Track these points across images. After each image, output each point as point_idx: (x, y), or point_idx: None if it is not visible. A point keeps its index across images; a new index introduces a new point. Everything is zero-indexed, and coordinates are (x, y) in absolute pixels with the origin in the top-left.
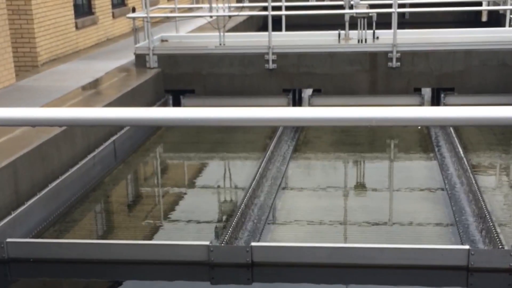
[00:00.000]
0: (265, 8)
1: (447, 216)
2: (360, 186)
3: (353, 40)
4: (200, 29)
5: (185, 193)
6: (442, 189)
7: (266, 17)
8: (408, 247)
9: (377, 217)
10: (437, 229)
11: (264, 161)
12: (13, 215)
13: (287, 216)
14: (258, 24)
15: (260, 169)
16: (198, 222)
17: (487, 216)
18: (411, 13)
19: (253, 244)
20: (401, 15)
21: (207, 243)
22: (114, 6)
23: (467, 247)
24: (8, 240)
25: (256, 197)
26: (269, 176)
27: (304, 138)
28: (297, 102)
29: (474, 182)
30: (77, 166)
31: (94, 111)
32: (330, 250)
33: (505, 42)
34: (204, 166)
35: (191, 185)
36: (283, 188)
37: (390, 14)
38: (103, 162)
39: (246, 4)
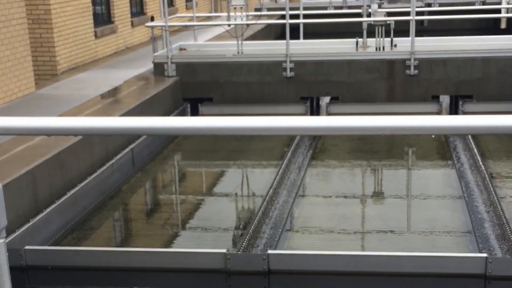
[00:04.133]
0: (283, 17)
1: (465, 224)
2: (378, 194)
3: (371, 48)
4: (219, 37)
5: (203, 201)
6: (460, 197)
7: (284, 25)
8: (426, 255)
9: (394, 225)
10: (454, 237)
11: (281, 169)
12: (31, 222)
13: (305, 224)
14: (276, 32)
15: (277, 177)
16: (215, 229)
17: (505, 224)
18: (429, 21)
19: (269, 252)
20: (419, 23)
21: (224, 250)
22: (133, 15)
23: (485, 255)
24: (27, 247)
25: (274, 204)
26: (287, 184)
27: (321, 146)
28: (314, 110)
29: (492, 190)
30: (96, 174)
31: (110, 120)
32: (347, 258)
33: None
34: (222, 174)
35: (209, 193)
36: (301, 196)
37: (408, 22)
38: (121, 170)
39: (264, 12)
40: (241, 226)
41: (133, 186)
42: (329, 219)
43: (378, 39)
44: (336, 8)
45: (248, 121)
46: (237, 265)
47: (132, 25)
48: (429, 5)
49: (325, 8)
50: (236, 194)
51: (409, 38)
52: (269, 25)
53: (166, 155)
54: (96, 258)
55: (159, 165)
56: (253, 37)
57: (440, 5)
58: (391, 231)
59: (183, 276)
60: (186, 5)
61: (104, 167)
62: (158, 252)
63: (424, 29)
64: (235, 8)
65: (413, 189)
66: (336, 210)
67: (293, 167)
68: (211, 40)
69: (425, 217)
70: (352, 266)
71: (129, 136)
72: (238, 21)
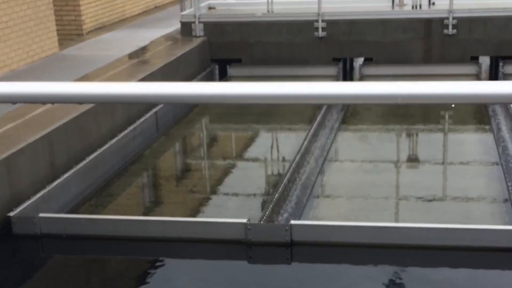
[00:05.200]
0: None
1: (502, 194)
2: (410, 161)
3: (407, 6)
4: None
5: (228, 167)
6: (497, 164)
7: None
8: (459, 227)
9: (427, 193)
10: (491, 207)
11: (310, 134)
12: (47, 189)
13: (331, 192)
14: None
15: (305, 142)
16: (239, 197)
17: None
18: None
19: (292, 222)
20: None
21: (245, 221)
22: None
23: None
24: (41, 215)
25: (300, 171)
26: (315, 149)
27: (353, 109)
28: (348, 71)
29: None
30: (117, 138)
31: (122, 86)
32: (375, 229)
33: None
34: (249, 139)
35: (235, 158)
36: (329, 161)
37: None
38: (144, 134)
39: None
40: (265, 194)
41: (156, 151)
42: (358, 187)
43: None
44: None
45: (272, 87)
46: (258, 235)
47: None
48: None
49: None
50: (262, 159)
51: None
52: None
53: (192, 118)
54: (113, 227)
55: (184, 129)
56: None
57: None
58: (423, 200)
59: (203, 246)
60: None
61: (126, 131)
62: (177, 222)
63: None
64: None
65: (449, 156)
66: (365, 178)
67: (323, 132)
68: None
69: (460, 185)
70: (380, 238)
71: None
72: None
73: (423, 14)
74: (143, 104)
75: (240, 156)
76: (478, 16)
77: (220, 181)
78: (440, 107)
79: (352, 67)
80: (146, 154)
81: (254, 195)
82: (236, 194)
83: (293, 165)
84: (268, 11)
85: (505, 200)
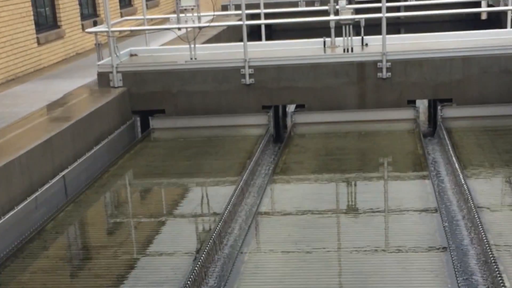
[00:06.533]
0: (251, 16)
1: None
2: (348, 211)
3: (340, 48)
4: (175, 41)
5: (151, 224)
6: (436, 211)
7: (250, 26)
8: None
9: (364, 244)
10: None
11: (239, 186)
12: None
13: (263, 246)
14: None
15: (234, 196)
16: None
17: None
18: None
19: None
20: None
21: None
22: (84, 17)
23: None
24: None
25: (229, 226)
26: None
27: (283, 165)
28: (281, 119)
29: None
30: (13, 211)
31: None
32: None
33: (507, 46)
34: (172, 195)
35: (154, 216)
36: (260, 215)
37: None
38: (49, 203)
39: (218, 13)
40: (192, 252)
41: (61, 224)
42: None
43: (346, 38)
44: (308, 3)
45: None
46: None
47: (83, 28)
48: None
49: (297, 3)
50: (191, 215)
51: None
52: (234, 26)
53: (106, 181)
54: None
55: (96, 194)
56: (217, 38)
57: None
58: (360, 252)
59: None
60: (147, 4)
61: (26, 202)
62: None
63: (400, 22)
64: (185, 9)
65: (385, 204)
66: (295, 231)
67: (253, 184)
68: (166, 44)
69: (398, 235)
70: None
71: (62, 159)
72: (190, 24)
73: (356, 57)
74: (49, 167)
75: (166, 213)
76: (413, 58)
77: (145, 238)
78: (376, 160)
79: (285, 114)
80: (48, 228)
81: (181, 253)
82: (161, 254)
83: (222, 220)
84: (192, 58)
85: (444, 248)
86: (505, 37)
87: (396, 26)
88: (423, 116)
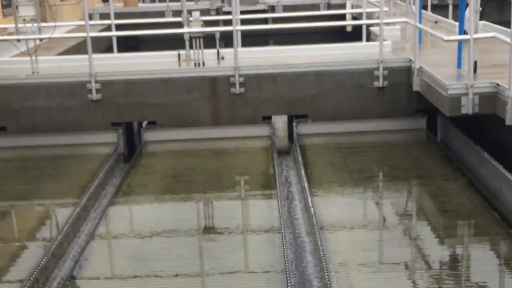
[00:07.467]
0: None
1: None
2: (182, 235)
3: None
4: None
5: None
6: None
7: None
8: None
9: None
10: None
11: (74, 213)
12: None
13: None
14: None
15: (66, 225)
16: None
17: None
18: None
19: None
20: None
21: None
22: None
23: None
24: None
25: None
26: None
27: (126, 187)
28: (135, 136)
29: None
30: None
31: None
32: None
33: (361, 61)
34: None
35: None
36: (93, 241)
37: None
38: None
39: (60, 23)
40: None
41: None
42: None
43: (196, 52)
44: (174, 13)
45: None
46: None
47: None
48: (273, 8)
49: (163, 13)
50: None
51: (240, 50)
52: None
53: None
54: None
55: None
56: (76, 49)
57: (284, 8)
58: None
59: None
60: (3, 12)
61: None
62: None
63: (269, 33)
64: (24, 19)
65: (228, 226)
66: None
67: (93, 211)
68: (17, 56)
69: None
70: None
71: None
72: (30, 35)
73: (208, 72)
74: None
75: None
76: (266, 73)
77: None
78: (228, 175)
79: (140, 131)
80: None
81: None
82: None
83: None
84: (34, 72)
85: (282, 270)
86: (360, 51)
87: (265, 38)
88: (283, 133)
